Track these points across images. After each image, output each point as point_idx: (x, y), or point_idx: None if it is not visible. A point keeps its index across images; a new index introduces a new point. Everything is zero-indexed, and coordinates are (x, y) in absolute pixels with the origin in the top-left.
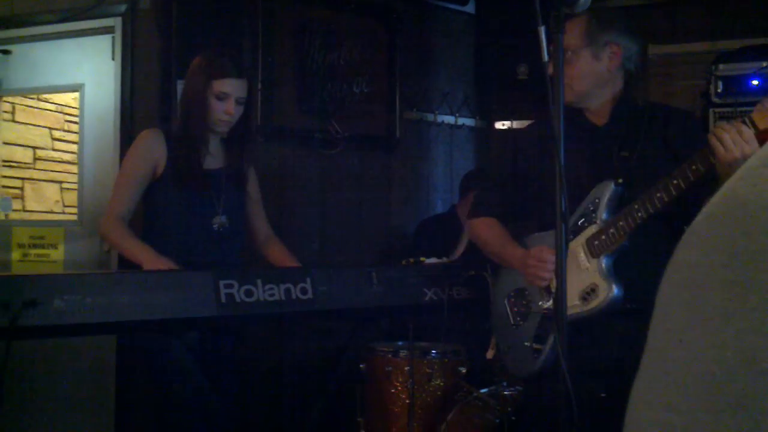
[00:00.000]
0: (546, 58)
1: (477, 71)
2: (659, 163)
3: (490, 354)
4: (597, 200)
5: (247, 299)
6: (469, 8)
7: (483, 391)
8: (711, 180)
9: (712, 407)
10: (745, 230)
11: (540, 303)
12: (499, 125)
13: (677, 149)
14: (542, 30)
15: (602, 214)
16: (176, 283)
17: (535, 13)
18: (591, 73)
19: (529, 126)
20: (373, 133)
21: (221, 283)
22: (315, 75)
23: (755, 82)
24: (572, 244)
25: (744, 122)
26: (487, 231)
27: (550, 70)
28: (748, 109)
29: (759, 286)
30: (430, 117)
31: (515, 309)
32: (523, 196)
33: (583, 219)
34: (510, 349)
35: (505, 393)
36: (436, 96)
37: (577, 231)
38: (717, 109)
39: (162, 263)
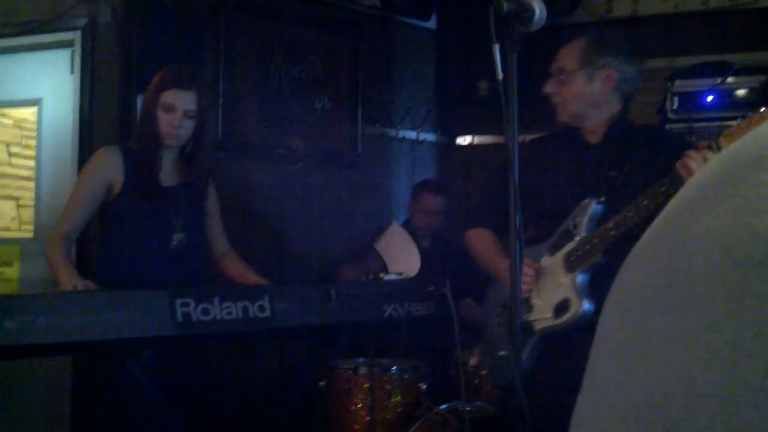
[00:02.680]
0: (500, 75)
1: (438, 87)
2: (645, 183)
3: (473, 361)
4: (578, 217)
5: (204, 318)
6: (431, 24)
7: (443, 407)
8: None
9: (648, 430)
10: (686, 254)
11: (523, 316)
12: (461, 140)
13: (664, 171)
14: (497, 47)
15: (582, 231)
16: (131, 302)
17: (490, 31)
18: (584, 95)
19: (527, 141)
20: (335, 149)
21: (177, 301)
22: (277, 90)
23: (710, 98)
24: (552, 260)
25: (710, 147)
26: (479, 242)
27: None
28: (703, 125)
29: (696, 309)
30: (392, 132)
31: (499, 319)
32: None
33: (564, 235)
34: (491, 358)
35: (465, 409)
36: (398, 111)
37: (559, 246)
38: (672, 125)
39: (78, 286)
